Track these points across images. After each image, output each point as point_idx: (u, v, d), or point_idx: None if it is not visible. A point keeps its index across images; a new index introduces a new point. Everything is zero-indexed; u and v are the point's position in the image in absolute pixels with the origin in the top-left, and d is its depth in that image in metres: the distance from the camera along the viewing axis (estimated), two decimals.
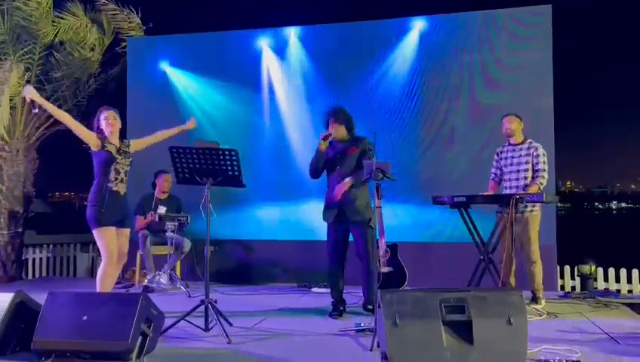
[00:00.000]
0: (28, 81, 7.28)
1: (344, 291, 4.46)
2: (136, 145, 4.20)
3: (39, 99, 3.89)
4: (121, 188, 4.00)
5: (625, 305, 4.70)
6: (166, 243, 5.79)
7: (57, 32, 7.12)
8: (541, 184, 4.56)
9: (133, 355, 3.00)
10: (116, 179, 3.95)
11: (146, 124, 6.76)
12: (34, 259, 7.79)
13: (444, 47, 6.04)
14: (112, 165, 3.93)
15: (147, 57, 6.86)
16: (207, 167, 3.66)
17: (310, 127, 6.27)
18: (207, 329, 3.64)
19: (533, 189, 4.50)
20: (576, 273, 6.09)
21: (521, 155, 4.74)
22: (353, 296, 4.83)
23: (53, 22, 7.12)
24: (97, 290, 3.94)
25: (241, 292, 5.64)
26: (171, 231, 5.50)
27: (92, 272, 8.12)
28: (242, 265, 6.35)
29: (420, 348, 2.46)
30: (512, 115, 4.80)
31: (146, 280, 5.67)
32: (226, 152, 3.63)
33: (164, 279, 5.66)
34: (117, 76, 7.62)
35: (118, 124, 4.06)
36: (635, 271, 6.04)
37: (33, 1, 6.99)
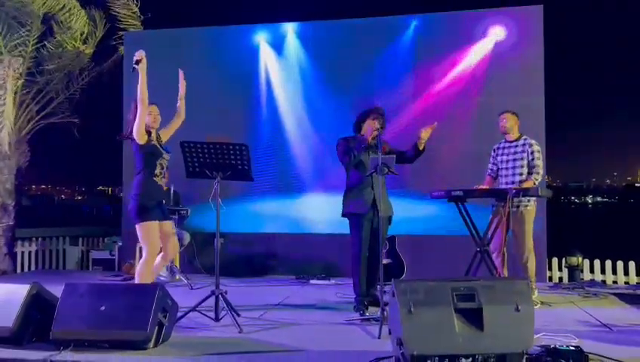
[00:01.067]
0: (21, 74, 7.26)
1: (342, 282, 4.50)
2: (165, 135, 4.15)
3: (143, 72, 3.99)
4: (163, 183, 4.02)
5: (612, 295, 4.92)
6: None
7: (45, 3, 6.99)
8: (536, 179, 4.73)
9: (151, 344, 3.09)
10: (160, 173, 3.96)
11: None
12: (22, 253, 7.77)
13: (439, 45, 6.19)
14: (158, 160, 3.94)
15: (145, 51, 6.86)
16: (218, 161, 3.74)
17: (306, 120, 6.38)
18: (217, 319, 3.74)
19: (528, 184, 4.66)
20: (563, 264, 6.31)
21: (516, 152, 4.90)
22: (349, 287, 4.96)
23: None
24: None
25: (241, 284, 5.73)
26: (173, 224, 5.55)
27: (81, 265, 8.14)
28: (240, 258, 6.43)
29: (434, 334, 2.60)
30: (508, 112, 4.95)
31: None
32: (237, 147, 3.72)
33: (163, 271, 5.73)
34: (111, 69, 7.62)
35: (160, 119, 4.10)
36: (619, 263, 6.28)
37: None
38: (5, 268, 7.27)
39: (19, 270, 7.62)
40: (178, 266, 5.98)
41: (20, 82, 7.31)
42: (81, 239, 8.68)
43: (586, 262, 6.38)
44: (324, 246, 6.35)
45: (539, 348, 2.85)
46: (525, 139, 4.92)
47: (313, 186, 6.43)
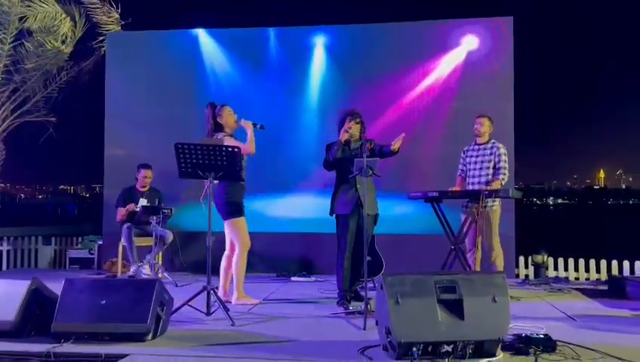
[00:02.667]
0: (5, 72, 7.25)
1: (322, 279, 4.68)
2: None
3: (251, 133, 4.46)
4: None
5: (575, 290, 5.28)
6: (147, 235, 5.98)
7: (35, 18, 7.06)
8: (502, 180, 5.05)
9: (150, 336, 3.25)
10: (244, 173, 4.37)
11: (126, 118, 6.91)
12: None
13: (414, 53, 6.47)
14: (243, 160, 4.30)
15: (127, 52, 6.95)
16: (210, 162, 3.90)
17: (288, 123, 6.61)
18: (209, 313, 3.90)
19: (496, 185, 4.97)
20: (530, 262, 6.67)
21: (484, 154, 5.21)
22: (329, 283, 5.18)
23: (29, 6, 7.06)
24: (235, 278, 4.45)
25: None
26: (156, 223, 5.67)
27: (54, 264, 8.14)
28: (220, 256, 6.56)
29: (419, 323, 2.83)
30: (485, 117, 5.24)
31: (130, 271, 5.82)
32: (229, 149, 3.89)
33: (146, 269, 5.84)
34: (91, 69, 7.65)
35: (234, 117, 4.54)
36: (581, 261, 6.69)
37: None
38: None
39: None
40: (161, 264, 6.09)
41: None
42: (54, 238, 8.68)
43: (551, 260, 6.76)
44: (303, 244, 6.57)
45: (512, 337, 3.11)
46: (493, 143, 5.23)
47: (293, 187, 6.62)
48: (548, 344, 3.01)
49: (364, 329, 3.57)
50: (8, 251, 8.00)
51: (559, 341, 3.08)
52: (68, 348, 3.10)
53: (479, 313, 2.86)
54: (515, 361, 2.87)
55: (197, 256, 6.38)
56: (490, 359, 2.84)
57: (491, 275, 3.09)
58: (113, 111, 6.90)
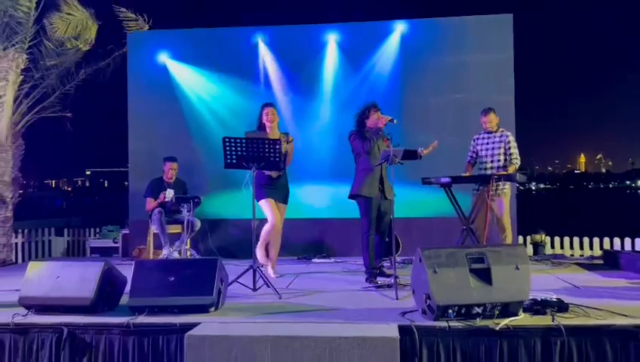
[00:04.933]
0: (23, 70, 7.53)
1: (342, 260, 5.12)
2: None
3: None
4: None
5: (574, 264, 5.82)
6: (176, 223, 6.39)
7: (67, 28, 7.34)
8: (516, 165, 5.54)
9: (213, 308, 3.69)
10: None
11: (147, 115, 7.30)
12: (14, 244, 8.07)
13: (422, 48, 6.92)
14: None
15: (147, 50, 7.31)
16: (253, 154, 4.32)
17: (303, 116, 7.02)
18: (255, 289, 4.35)
19: (511, 169, 5.47)
20: (529, 241, 7.22)
21: (495, 142, 5.70)
22: (349, 264, 5.66)
23: (63, 17, 7.34)
24: (262, 243, 5.03)
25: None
26: (187, 211, 6.07)
27: (68, 254, 8.54)
28: (244, 242, 6.97)
29: (454, 288, 3.30)
30: (490, 112, 5.69)
31: (163, 255, 6.22)
32: (271, 142, 4.32)
33: (176, 255, 6.24)
34: (111, 67, 7.93)
35: (277, 119, 5.00)
36: (576, 239, 7.26)
37: None
38: (4, 258, 7.55)
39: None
40: (189, 248, 6.50)
41: (20, 77, 7.58)
42: (66, 230, 9.06)
43: (548, 238, 7.32)
44: (320, 229, 7.03)
45: (529, 301, 3.60)
46: (503, 132, 5.72)
47: (312, 176, 7.06)
48: (562, 305, 3.51)
49: (397, 298, 4.04)
50: (23, 243, 8.37)
51: (570, 304, 3.58)
52: (144, 319, 3.52)
53: (505, 279, 3.35)
54: (534, 320, 3.35)
55: (221, 242, 6.80)
56: (514, 318, 3.32)
57: (514, 247, 3.59)
58: (135, 107, 7.26)
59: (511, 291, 3.35)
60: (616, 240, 7.08)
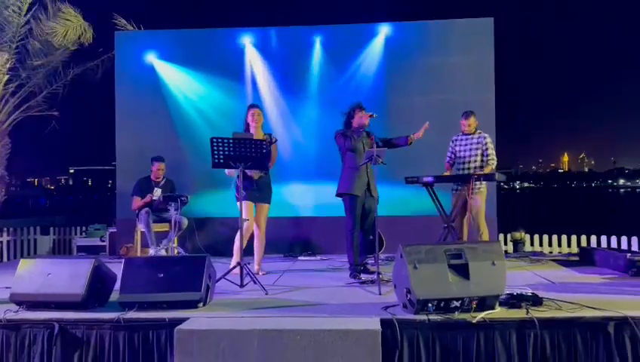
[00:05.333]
0: (10, 68, 7.56)
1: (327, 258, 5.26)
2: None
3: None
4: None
5: (551, 261, 6.02)
6: (163, 221, 6.47)
7: (66, 34, 7.39)
8: (492, 165, 5.72)
9: (201, 304, 3.80)
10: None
11: (134, 114, 7.37)
12: None
13: (405, 50, 7.08)
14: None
15: (135, 50, 7.37)
16: (240, 154, 4.43)
17: (289, 116, 7.15)
18: (242, 285, 4.46)
19: (487, 170, 5.64)
20: (509, 239, 7.41)
21: (473, 143, 5.87)
22: (334, 261, 5.80)
23: (61, 23, 7.38)
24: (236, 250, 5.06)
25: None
26: (174, 210, 6.16)
27: (54, 253, 8.58)
28: (231, 240, 7.08)
29: (433, 283, 3.45)
30: (471, 116, 5.86)
31: (150, 254, 6.30)
32: (257, 142, 4.44)
33: (163, 253, 6.32)
34: (100, 68, 7.99)
35: (262, 120, 5.12)
36: (554, 236, 7.47)
37: None
38: None
39: None
40: (177, 246, 6.59)
41: (5, 77, 7.61)
42: (52, 228, 9.09)
43: (527, 236, 7.52)
44: (306, 227, 7.16)
45: (506, 296, 3.76)
46: (480, 133, 5.89)
47: (298, 175, 7.19)
48: (536, 299, 3.67)
49: (380, 294, 4.18)
50: (8, 242, 8.40)
51: (545, 298, 3.75)
52: (134, 314, 3.62)
53: (482, 274, 3.51)
54: (510, 313, 3.51)
55: (208, 240, 6.90)
56: (490, 311, 3.48)
57: (490, 244, 3.75)
58: (123, 106, 7.32)
59: (487, 285, 3.51)
60: (593, 238, 7.31)
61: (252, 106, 5.30)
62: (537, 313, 3.46)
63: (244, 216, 4.89)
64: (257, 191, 5.20)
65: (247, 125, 5.20)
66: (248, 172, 4.94)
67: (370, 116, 4.99)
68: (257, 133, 5.12)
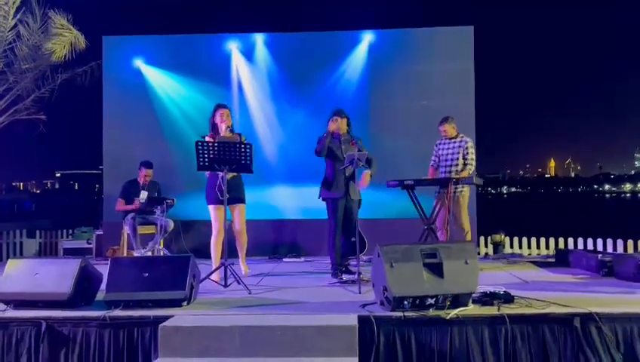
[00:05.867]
0: None
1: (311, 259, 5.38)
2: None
3: None
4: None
5: (529, 262, 6.20)
6: (149, 224, 6.57)
7: (63, 49, 7.48)
8: (470, 170, 5.89)
9: (186, 302, 3.91)
10: None
11: (121, 118, 7.47)
12: None
13: (388, 57, 7.27)
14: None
15: (123, 55, 7.48)
16: (225, 157, 4.55)
17: (275, 121, 7.28)
18: (226, 285, 4.58)
19: (464, 174, 5.81)
20: (489, 241, 7.60)
21: (454, 147, 6.04)
22: (318, 263, 5.92)
23: (58, 41, 7.44)
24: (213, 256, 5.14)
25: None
26: (160, 213, 6.26)
27: (40, 256, 8.62)
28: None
29: (409, 281, 3.59)
30: (448, 122, 6.02)
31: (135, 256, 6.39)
32: (242, 146, 4.57)
33: (149, 255, 6.42)
34: (88, 73, 8.05)
35: (231, 121, 5.10)
36: (533, 239, 7.68)
37: None
38: None
39: None
40: (162, 248, 6.68)
41: None
42: (38, 231, 9.14)
43: (507, 239, 7.72)
44: (290, 230, 7.29)
45: (479, 294, 3.92)
46: (462, 137, 6.07)
47: (280, 179, 7.33)
48: (508, 297, 3.84)
49: (360, 293, 4.32)
50: None
51: (516, 296, 3.91)
52: (119, 313, 3.73)
53: (455, 273, 3.66)
54: (482, 310, 3.67)
55: (194, 242, 6.99)
56: (464, 308, 3.63)
57: (463, 243, 3.91)
58: (110, 110, 7.43)
59: (461, 283, 3.66)
60: (570, 240, 7.51)
61: (221, 106, 5.20)
62: (508, 310, 3.63)
63: (214, 221, 5.06)
64: (230, 192, 4.92)
65: (214, 125, 5.12)
66: (220, 173, 4.79)
67: (334, 122, 5.18)
68: (226, 134, 5.05)
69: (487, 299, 3.82)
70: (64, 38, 7.53)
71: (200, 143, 4.52)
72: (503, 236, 7.44)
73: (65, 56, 7.63)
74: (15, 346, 3.72)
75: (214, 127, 5.14)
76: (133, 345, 3.64)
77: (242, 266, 5.43)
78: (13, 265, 4.06)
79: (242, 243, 5.39)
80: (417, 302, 3.61)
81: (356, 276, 4.61)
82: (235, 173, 5.03)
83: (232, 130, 5.11)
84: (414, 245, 3.78)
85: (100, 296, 4.02)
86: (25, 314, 3.75)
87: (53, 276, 3.89)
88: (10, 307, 3.88)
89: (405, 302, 3.60)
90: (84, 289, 3.99)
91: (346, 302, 4.01)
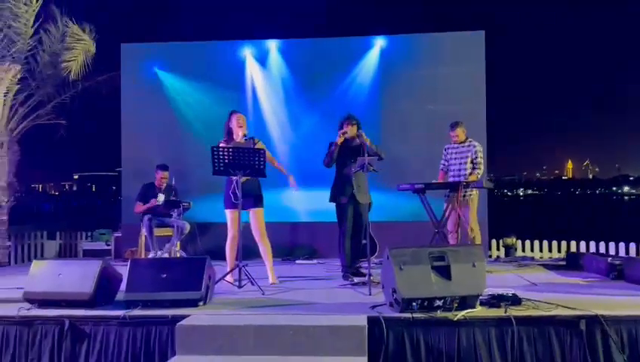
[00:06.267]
0: (20, 79, 7.85)
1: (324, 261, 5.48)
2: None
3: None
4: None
5: (539, 265, 6.26)
6: (166, 226, 6.75)
7: (78, 63, 7.70)
8: (478, 174, 5.98)
9: (202, 302, 4.06)
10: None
11: (139, 123, 7.66)
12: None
13: (400, 62, 7.37)
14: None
15: (140, 61, 7.68)
16: (239, 162, 4.69)
17: (288, 126, 7.42)
18: (240, 286, 4.72)
19: (472, 178, 5.90)
20: (501, 244, 7.66)
21: (463, 152, 6.13)
22: (331, 265, 6.03)
23: (72, 57, 7.68)
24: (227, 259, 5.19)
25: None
26: (177, 216, 6.43)
27: (59, 257, 8.84)
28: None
29: (417, 283, 3.70)
30: (458, 127, 6.12)
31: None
32: (255, 151, 4.71)
33: (166, 255, 6.59)
34: (108, 80, 8.26)
35: (246, 126, 5.19)
36: (545, 242, 7.72)
37: (21, 2, 7.55)
38: (0, 260, 7.85)
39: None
40: (178, 249, 6.85)
41: (15, 87, 7.89)
42: (58, 233, 9.38)
43: (519, 242, 7.77)
44: (303, 232, 7.42)
45: (487, 296, 4.01)
46: (470, 142, 6.15)
47: (296, 182, 7.43)
48: (515, 299, 3.92)
49: (370, 294, 4.43)
50: (16, 246, 8.68)
51: (524, 298, 3.99)
52: (138, 312, 3.88)
53: (463, 275, 3.75)
54: (490, 312, 3.75)
55: (209, 244, 7.15)
56: (471, 310, 3.73)
57: (471, 247, 4.01)
58: (128, 115, 7.64)
59: (468, 286, 3.76)
60: (582, 244, 7.54)
61: (236, 112, 5.27)
62: (515, 312, 3.71)
63: (229, 226, 5.10)
64: (245, 198, 4.94)
65: (230, 130, 5.17)
66: (233, 178, 4.85)
67: (343, 134, 5.29)
68: (241, 141, 5.10)
69: (494, 301, 3.91)
70: (76, 51, 7.71)
71: (215, 148, 4.67)
72: (514, 239, 7.50)
73: (80, 70, 7.81)
74: (39, 343, 3.88)
75: (229, 133, 5.23)
76: (151, 343, 3.79)
77: (269, 275, 5.19)
78: (37, 266, 4.23)
79: (265, 250, 5.22)
80: (426, 303, 3.71)
81: (367, 278, 4.72)
82: (247, 178, 5.03)
83: (245, 136, 5.16)
84: (423, 248, 3.88)
85: (120, 296, 4.18)
86: (49, 313, 3.92)
87: (76, 277, 4.06)
88: (34, 306, 4.05)
89: (414, 304, 3.70)
90: (104, 290, 4.15)
91: (357, 304, 4.12)
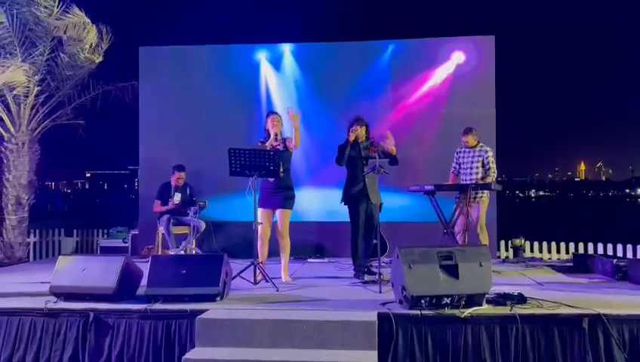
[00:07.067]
0: (40, 80, 8.09)
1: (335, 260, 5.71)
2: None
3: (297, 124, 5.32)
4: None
5: (546, 266, 6.38)
6: (183, 224, 6.95)
7: (66, 28, 7.83)
8: (492, 177, 6.12)
9: (219, 297, 4.24)
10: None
11: (157, 124, 7.87)
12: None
13: (411, 66, 7.52)
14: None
15: (158, 64, 7.90)
16: (254, 163, 4.88)
17: (300, 127, 7.56)
18: (255, 282, 4.90)
19: (489, 180, 6.05)
20: (509, 245, 7.78)
21: (474, 156, 6.28)
22: (341, 263, 6.20)
23: (59, 19, 7.82)
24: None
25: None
26: (193, 214, 6.63)
27: (77, 253, 9.08)
28: (245, 242, 7.49)
29: (426, 281, 3.86)
30: (469, 134, 6.27)
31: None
32: (270, 153, 4.90)
33: (182, 253, 6.79)
34: (128, 89, 8.48)
35: (280, 125, 5.37)
36: (553, 243, 7.83)
37: (41, 5, 7.79)
38: (20, 256, 8.09)
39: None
40: (194, 247, 7.05)
41: (36, 88, 8.13)
42: (75, 230, 9.63)
43: (527, 243, 7.89)
44: (316, 232, 7.59)
45: (494, 295, 4.15)
46: (482, 146, 6.30)
47: (306, 182, 7.63)
48: (521, 298, 4.07)
49: (380, 292, 4.59)
50: (34, 243, 8.94)
51: (529, 297, 4.13)
52: (159, 306, 4.07)
53: (470, 274, 3.91)
54: (496, 310, 3.91)
55: (224, 242, 7.33)
56: (478, 308, 3.88)
57: (478, 247, 4.16)
58: (146, 116, 7.85)
59: (475, 284, 3.91)
60: (590, 246, 7.65)
61: (271, 113, 5.54)
62: (520, 310, 3.86)
63: (259, 220, 5.24)
64: (273, 198, 5.26)
65: (268, 132, 5.39)
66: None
67: (354, 131, 5.47)
68: (272, 142, 5.30)
69: (500, 299, 4.06)
70: (69, 18, 7.81)
71: (232, 151, 4.86)
72: (522, 240, 7.62)
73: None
74: (64, 334, 4.09)
75: (268, 134, 5.41)
76: (171, 335, 3.98)
77: (282, 274, 5.32)
78: (63, 261, 4.45)
79: (282, 247, 5.36)
80: (434, 301, 3.87)
81: (377, 276, 4.88)
82: (280, 177, 5.16)
83: (276, 136, 5.33)
84: (431, 248, 4.04)
85: (141, 291, 4.37)
86: (74, 306, 4.13)
87: (99, 272, 4.27)
88: (60, 299, 4.26)
89: (422, 301, 3.86)
90: (126, 284, 4.35)
91: (367, 301, 4.29)
